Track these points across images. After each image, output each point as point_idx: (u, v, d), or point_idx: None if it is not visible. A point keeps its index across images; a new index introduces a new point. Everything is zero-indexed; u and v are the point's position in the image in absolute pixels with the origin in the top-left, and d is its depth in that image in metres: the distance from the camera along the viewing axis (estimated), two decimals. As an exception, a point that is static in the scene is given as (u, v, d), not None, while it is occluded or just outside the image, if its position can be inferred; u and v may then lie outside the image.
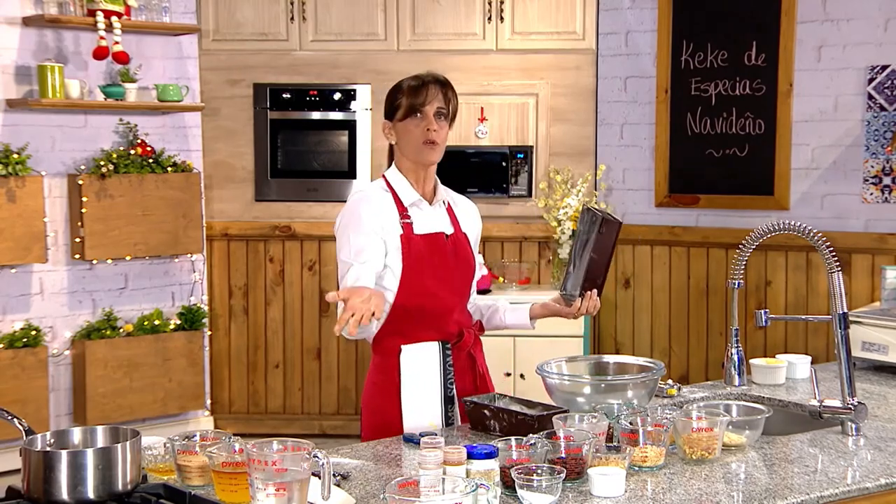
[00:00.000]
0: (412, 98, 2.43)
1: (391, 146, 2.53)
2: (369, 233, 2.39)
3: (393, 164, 2.51)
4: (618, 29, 5.17)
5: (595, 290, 2.45)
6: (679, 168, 5.07)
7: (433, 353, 2.43)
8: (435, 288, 2.42)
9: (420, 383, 2.41)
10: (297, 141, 5.32)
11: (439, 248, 2.45)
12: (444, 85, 2.46)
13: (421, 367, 2.42)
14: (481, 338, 2.60)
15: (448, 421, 2.44)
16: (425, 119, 2.42)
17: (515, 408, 2.26)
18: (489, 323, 2.59)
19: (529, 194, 5.19)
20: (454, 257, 2.48)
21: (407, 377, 2.41)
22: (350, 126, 5.29)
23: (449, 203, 2.55)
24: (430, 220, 2.46)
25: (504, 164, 5.17)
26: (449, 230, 2.49)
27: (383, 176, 2.50)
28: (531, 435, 1.96)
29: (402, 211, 2.43)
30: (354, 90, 5.27)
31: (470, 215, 2.58)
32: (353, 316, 2.12)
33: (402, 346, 2.42)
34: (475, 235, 2.58)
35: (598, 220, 2.40)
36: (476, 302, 2.61)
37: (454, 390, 2.45)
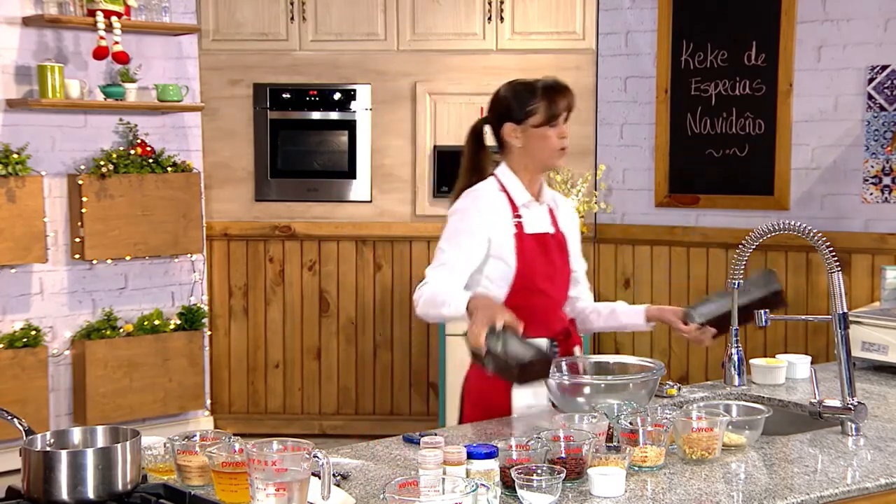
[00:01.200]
0: (551, 106, 2.46)
1: (503, 145, 2.53)
2: (475, 232, 2.43)
3: (504, 165, 2.53)
4: (618, 29, 5.17)
5: (715, 331, 2.51)
6: (679, 168, 5.07)
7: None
8: (544, 286, 2.48)
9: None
10: (297, 141, 5.32)
11: (547, 247, 2.51)
12: (570, 89, 2.52)
13: None
14: None
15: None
16: (560, 127, 2.48)
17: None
18: (606, 323, 2.63)
19: (529, 194, 5.18)
20: (559, 255, 2.54)
21: None
22: (350, 126, 5.29)
23: (550, 204, 2.59)
24: (537, 219, 2.52)
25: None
26: (552, 230, 2.55)
27: (494, 175, 2.53)
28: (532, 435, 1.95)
29: (515, 211, 2.49)
30: (354, 90, 5.27)
31: (568, 214, 2.64)
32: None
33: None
34: (573, 234, 2.63)
35: (775, 291, 2.50)
36: (595, 304, 2.65)
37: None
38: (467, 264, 2.43)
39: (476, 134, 2.57)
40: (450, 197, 2.56)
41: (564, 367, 2.42)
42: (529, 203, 2.51)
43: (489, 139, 2.57)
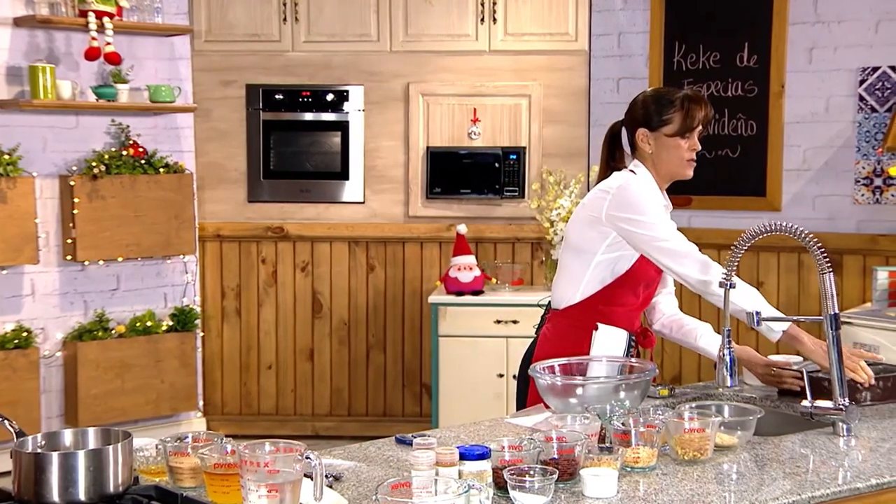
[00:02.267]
0: (689, 118, 2.53)
1: (635, 149, 2.61)
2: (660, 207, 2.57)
3: (643, 168, 2.60)
4: (610, 30, 5.18)
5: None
6: (671, 169, 5.07)
7: (622, 341, 2.57)
8: (641, 288, 2.59)
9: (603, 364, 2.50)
10: (290, 142, 5.31)
11: None
12: (708, 103, 2.58)
13: (610, 347, 2.55)
14: None
15: None
16: (692, 139, 2.55)
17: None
18: (682, 339, 2.71)
19: (522, 195, 5.19)
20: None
21: (596, 353, 2.54)
22: (343, 127, 5.29)
23: None
24: None
25: (497, 165, 5.17)
26: None
27: (639, 175, 2.60)
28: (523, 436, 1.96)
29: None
30: (347, 91, 5.27)
31: None
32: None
33: (600, 325, 2.55)
34: None
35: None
36: (680, 317, 2.73)
37: None
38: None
39: (612, 135, 2.67)
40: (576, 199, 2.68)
41: (557, 369, 2.42)
42: (665, 207, 2.61)
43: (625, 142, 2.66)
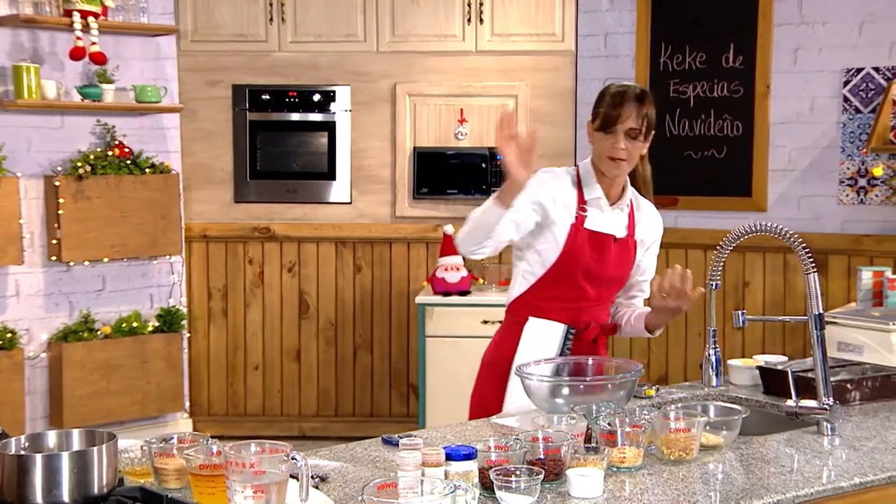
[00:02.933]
0: (609, 112, 2.49)
1: None
2: (539, 196, 2.50)
3: (589, 158, 2.59)
4: (597, 31, 5.19)
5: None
6: (658, 169, 5.05)
7: (556, 333, 2.55)
8: (582, 281, 2.54)
9: (534, 355, 2.50)
10: (277, 142, 5.30)
11: (603, 247, 2.55)
12: (642, 101, 2.50)
13: (540, 340, 2.53)
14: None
15: None
16: (615, 136, 2.49)
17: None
18: (632, 328, 2.67)
19: (509, 196, 5.19)
20: (616, 259, 2.57)
21: (525, 346, 2.53)
22: (330, 127, 5.28)
23: (633, 208, 2.62)
24: (604, 219, 2.56)
25: (484, 165, 5.18)
26: (621, 234, 2.59)
27: (577, 165, 2.60)
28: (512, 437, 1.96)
29: (581, 203, 2.55)
30: (334, 91, 5.26)
31: (650, 224, 2.67)
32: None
33: (530, 317, 2.54)
34: (649, 244, 2.67)
35: None
36: (634, 305, 2.69)
37: (564, 375, 2.51)
38: (527, 210, 2.49)
39: None
40: None
41: (544, 369, 2.42)
42: (598, 202, 2.55)
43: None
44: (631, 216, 2.62)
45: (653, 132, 2.53)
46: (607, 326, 2.65)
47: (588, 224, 2.54)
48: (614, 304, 2.70)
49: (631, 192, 2.63)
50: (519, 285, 2.60)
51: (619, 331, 2.69)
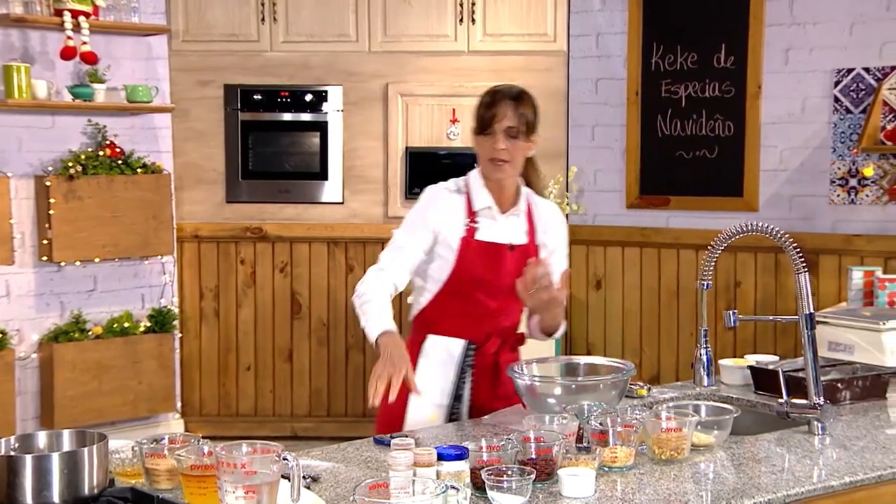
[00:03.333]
0: (484, 113, 2.44)
1: None
2: (427, 223, 2.46)
3: (477, 168, 2.53)
4: (588, 31, 5.20)
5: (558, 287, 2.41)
6: (650, 170, 5.11)
7: (456, 349, 2.49)
8: (478, 294, 2.47)
9: (433, 375, 2.47)
10: (269, 142, 5.30)
11: (497, 257, 2.47)
12: (518, 100, 2.43)
13: (439, 359, 2.49)
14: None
15: (451, 417, 2.49)
16: (493, 137, 2.43)
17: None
18: (531, 334, 2.62)
19: (501, 196, 5.19)
20: (514, 268, 2.46)
21: (423, 366, 2.48)
22: (322, 127, 5.27)
23: (531, 213, 2.54)
24: (497, 229, 2.49)
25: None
26: (519, 240, 2.50)
27: (467, 175, 2.53)
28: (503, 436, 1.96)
29: (471, 215, 2.47)
30: (326, 91, 5.26)
31: (551, 225, 2.57)
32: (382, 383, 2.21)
33: (429, 336, 2.49)
34: (553, 246, 2.57)
35: None
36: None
37: (466, 390, 2.50)
38: (416, 249, 2.46)
39: None
40: None
41: (535, 369, 2.43)
42: (490, 211, 2.48)
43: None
44: (530, 221, 2.53)
45: (535, 133, 2.45)
46: (512, 338, 2.55)
47: (479, 236, 2.45)
48: (528, 311, 2.58)
49: (526, 195, 2.53)
50: (417, 303, 2.54)
51: (528, 336, 2.62)
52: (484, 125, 2.44)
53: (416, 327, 2.56)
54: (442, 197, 2.49)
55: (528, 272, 2.35)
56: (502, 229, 2.50)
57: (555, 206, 2.63)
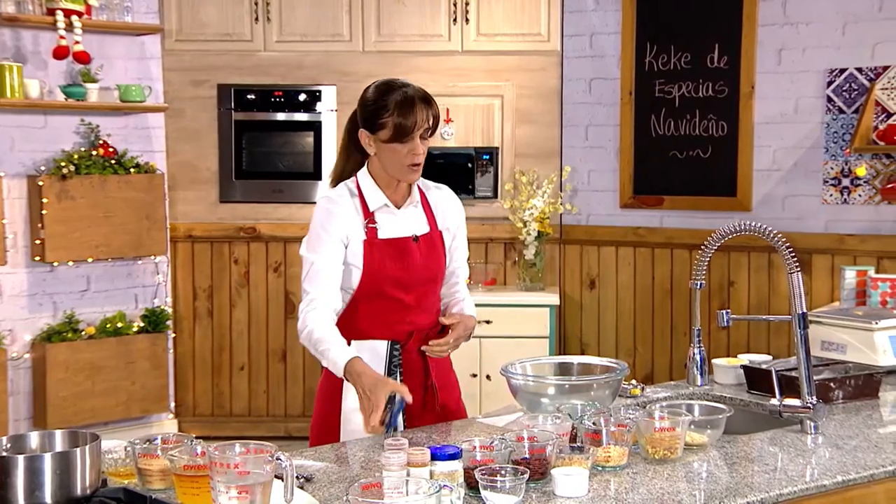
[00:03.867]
0: (401, 122, 2.36)
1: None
2: (333, 235, 2.41)
3: (365, 168, 2.48)
4: (582, 31, 5.20)
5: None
6: (643, 169, 5.11)
7: (381, 351, 2.45)
8: (393, 291, 2.44)
9: None
10: (262, 142, 5.29)
11: (404, 251, 2.45)
12: (430, 103, 2.41)
13: (367, 362, 2.40)
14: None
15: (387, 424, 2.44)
16: (412, 143, 2.38)
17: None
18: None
19: (495, 195, 5.20)
20: (423, 259, 2.47)
21: None
22: (315, 127, 5.27)
23: (426, 201, 2.52)
24: (398, 223, 2.46)
25: (470, 165, 5.18)
26: (421, 230, 2.49)
27: (356, 177, 2.48)
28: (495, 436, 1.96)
29: (368, 216, 2.44)
30: (320, 91, 5.25)
31: (451, 210, 2.56)
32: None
33: (353, 341, 2.43)
34: (454, 229, 2.56)
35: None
36: (458, 293, 2.60)
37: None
38: (334, 265, 2.41)
39: (354, 118, 2.50)
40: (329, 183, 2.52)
41: (529, 369, 2.43)
42: (386, 208, 2.45)
43: None
44: (427, 209, 2.52)
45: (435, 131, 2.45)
46: (434, 330, 2.50)
47: (382, 234, 2.43)
48: (442, 299, 2.56)
49: (417, 185, 2.50)
50: (342, 305, 2.46)
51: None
52: (403, 133, 2.37)
53: (341, 328, 2.45)
54: (336, 204, 2.44)
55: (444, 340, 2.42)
56: (402, 223, 2.47)
57: (446, 189, 2.59)
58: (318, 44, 5.21)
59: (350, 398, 2.40)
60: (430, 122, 2.40)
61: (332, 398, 2.48)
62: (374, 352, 2.44)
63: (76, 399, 4.78)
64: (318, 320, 2.38)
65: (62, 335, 4.76)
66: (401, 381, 2.43)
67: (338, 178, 2.52)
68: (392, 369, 2.45)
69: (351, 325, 2.45)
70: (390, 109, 2.37)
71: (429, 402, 2.49)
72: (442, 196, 2.56)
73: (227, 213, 5.31)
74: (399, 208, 2.47)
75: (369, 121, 2.41)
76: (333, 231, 2.41)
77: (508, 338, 4.79)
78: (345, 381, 2.39)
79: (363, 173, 2.48)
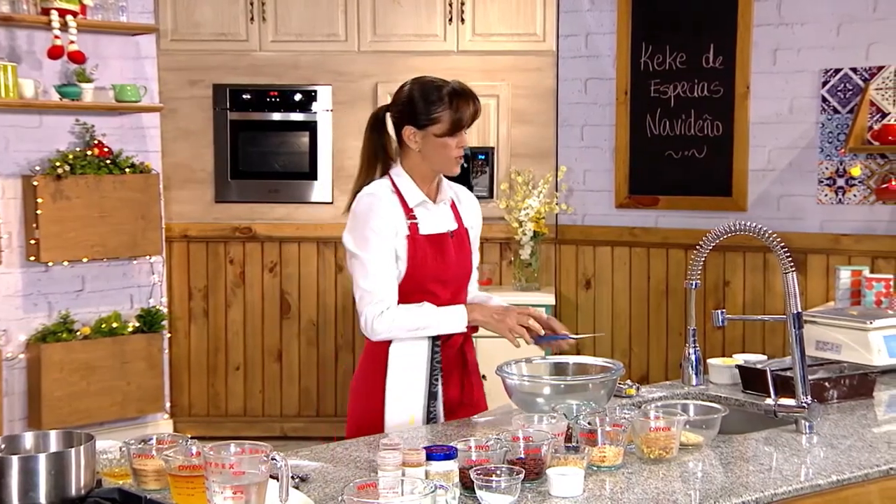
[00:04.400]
0: (457, 115, 2.42)
1: (400, 143, 2.49)
2: (385, 233, 2.42)
3: (398, 165, 2.50)
4: (578, 31, 5.21)
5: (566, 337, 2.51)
6: (639, 169, 5.12)
7: (422, 348, 2.47)
8: (433, 287, 2.47)
9: (405, 377, 2.46)
10: (258, 142, 5.29)
11: (443, 247, 2.50)
12: (476, 96, 2.47)
13: (408, 361, 2.46)
14: (473, 337, 2.62)
15: (430, 417, 2.48)
16: (461, 136, 2.45)
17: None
18: None
19: (491, 195, 5.20)
20: (457, 254, 2.52)
21: (393, 370, 2.46)
22: (311, 127, 5.27)
23: (453, 199, 2.57)
24: (435, 219, 2.50)
25: (465, 165, 5.18)
26: (453, 226, 2.54)
27: (389, 175, 2.50)
28: (491, 436, 1.96)
29: (408, 212, 2.47)
30: (315, 91, 5.25)
31: (472, 209, 2.63)
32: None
33: (393, 340, 2.45)
34: (477, 229, 2.63)
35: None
36: (476, 294, 2.65)
37: (439, 387, 2.49)
38: (389, 263, 2.42)
39: (377, 121, 2.51)
40: (350, 192, 2.52)
41: (524, 369, 2.43)
42: (425, 203, 2.48)
43: (390, 127, 2.52)
44: (454, 207, 2.57)
45: None
46: (469, 328, 2.52)
47: (423, 230, 2.46)
48: (472, 296, 2.61)
49: (446, 183, 2.55)
50: None
51: None
52: (459, 126, 2.42)
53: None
54: (381, 199, 2.45)
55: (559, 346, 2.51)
56: (438, 218, 2.51)
57: (465, 188, 2.66)
58: (314, 44, 5.20)
59: (394, 388, 2.43)
60: (477, 115, 2.47)
61: (370, 398, 2.47)
62: (415, 349, 2.46)
63: (71, 399, 4.78)
64: (396, 314, 2.40)
65: (57, 335, 4.75)
66: (441, 378, 2.47)
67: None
68: (434, 366, 2.48)
69: None
70: (445, 103, 2.41)
71: (465, 397, 2.52)
72: (465, 195, 2.63)
73: (223, 213, 5.30)
74: (434, 204, 2.51)
75: (418, 117, 2.43)
76: (383, 226, 2.43)
77: (504, 338, 4.78)
78: (388, 373, 2.43)
79: (397, 171, 2.49)
